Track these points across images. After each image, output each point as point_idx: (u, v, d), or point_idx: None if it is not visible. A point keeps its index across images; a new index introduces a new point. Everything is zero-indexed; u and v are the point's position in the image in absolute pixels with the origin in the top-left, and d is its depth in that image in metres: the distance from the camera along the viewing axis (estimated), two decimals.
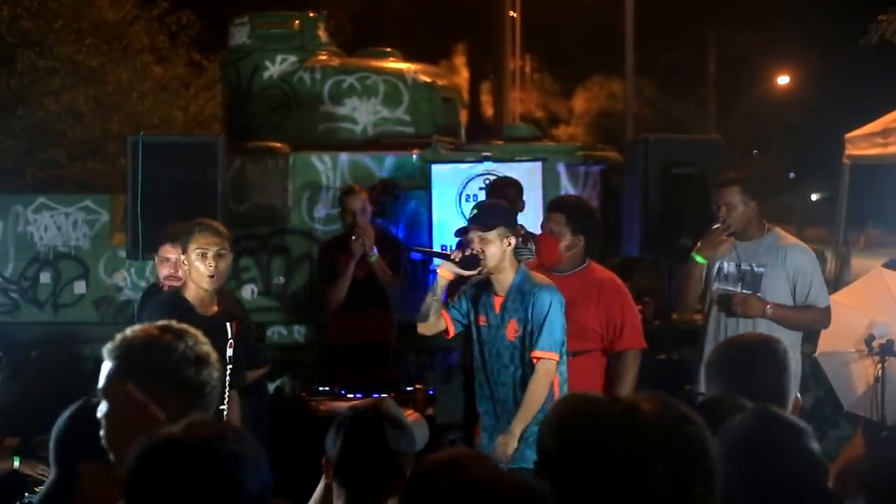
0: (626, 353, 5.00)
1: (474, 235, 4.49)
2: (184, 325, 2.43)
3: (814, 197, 38.40)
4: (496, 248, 4.46)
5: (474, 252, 4.48)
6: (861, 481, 2.29)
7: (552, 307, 4.42)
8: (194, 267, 4.47)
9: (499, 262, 4.48)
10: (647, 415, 1.78)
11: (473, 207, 4.77)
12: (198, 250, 4.46)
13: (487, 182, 7.14)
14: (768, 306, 5.19)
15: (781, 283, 5.26)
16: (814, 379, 6.85)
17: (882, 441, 4.84)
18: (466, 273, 4.52)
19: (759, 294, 5.25)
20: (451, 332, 4.74)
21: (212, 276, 4.46)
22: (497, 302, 4.55)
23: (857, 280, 6.36)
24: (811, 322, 5.35)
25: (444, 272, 4.55)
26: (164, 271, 5.26)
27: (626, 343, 5.00)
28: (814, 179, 35.63)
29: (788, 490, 2.33)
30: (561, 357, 4.48)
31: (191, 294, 4.53)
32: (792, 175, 38.41)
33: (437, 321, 4.69)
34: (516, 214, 4.89)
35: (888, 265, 6.21)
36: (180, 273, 4.96)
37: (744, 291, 5.27)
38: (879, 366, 5.32)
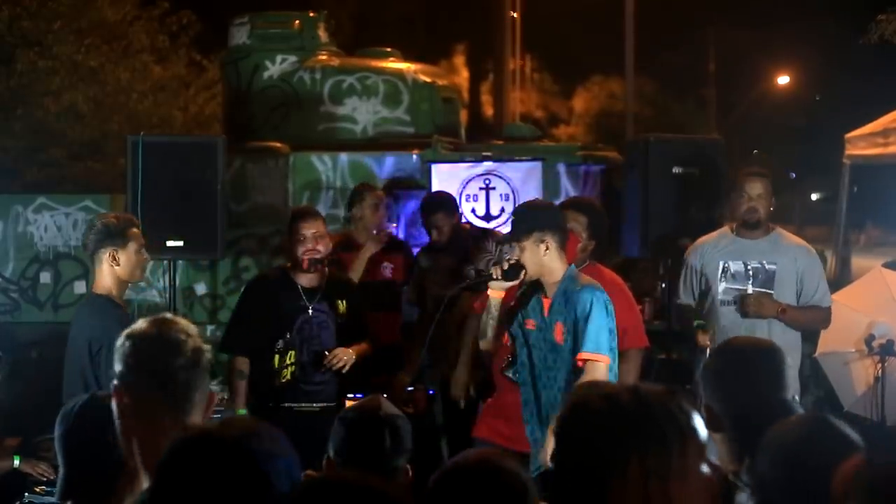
0: (628, 352, 5.00)
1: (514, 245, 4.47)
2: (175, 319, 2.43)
3: (814, 197, 38.41)
4: (532, 255, 4.38)
5: (512, 262, 4.43)
6: (863, 482, 2.27)
7: (594, 307, 4.31)
8: (132, 262, 4.52)
9: (539, 267, 4.40)
10: (598, 410, 1.76)
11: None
12: (138, 248, 4.54)
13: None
14: (781, 307, 5.20)
15: (790, 281, 5.29)
16: (814, 379, 6.85)
17: (883, 442, 4.85)
18: (511, 284, 4.48)
19: (771, 291, 5.26)
20: (507, 342, 4.69)
21: (143, 273, 4.67)
22: (546, 304, 4.48)
23: (857, 280, 6.36)
24: (819, 322, 5.42)
25: (494, 292, 4.52)
26: (300, 248, 5.07)
27: (629, 343, 5.00)
28: (814, 179, 35.64)
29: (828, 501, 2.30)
30: (613, 359, 4.37)
31: (115, 293, 4.55)
32: (792, 175, 38.41)
33: (497, 339, 4.66)
34: (554, 213, 4.61)
35: (888, 265, 6.22)
36: (321, 247, 5.06)
37: (757, 290, 5.28)
38: (879, 366, 5.32)
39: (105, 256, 4.50)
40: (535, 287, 4.52)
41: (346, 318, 5.19)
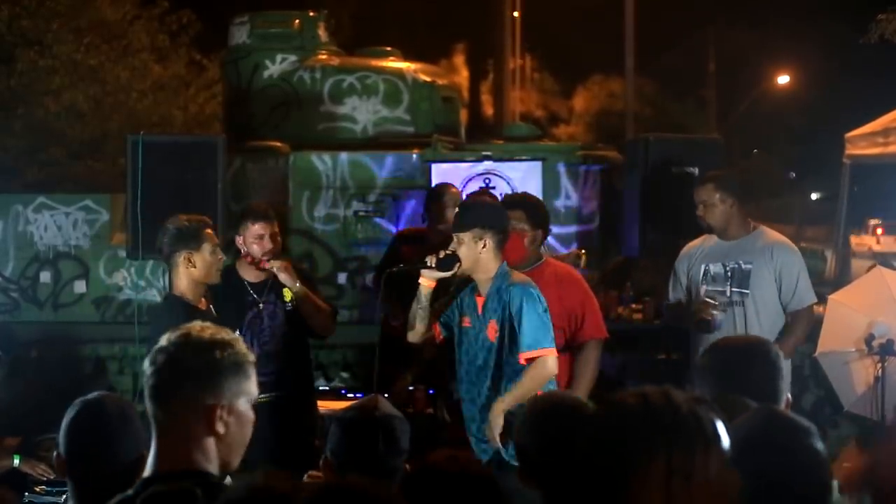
0: (587, 343, 4.99)
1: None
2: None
3: (814, 197, 38.41)
4: (469, 249, 4.43)
5: (449, 253, 4.46)
6: (867, 481, 2.28)
7: (525, 303, 4.35)
8: (210, 264, 4.58)
9: (473, 263, 4.45)
10: (631, 408, 1.78)
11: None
12: (213, 249, 4.60)
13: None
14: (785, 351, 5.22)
15: (768, 279, 5.30)
16: (814, 379, 6.85)
17: (887, 441, 4.85)
18: (443, 274, 4.49)
19: (745, 291, 5.29)
20: (439, 338, 4.72)
21: (219, 271, 4.65)
22: (480, 303, 4.53)
23: (857, 280, 6.36)
24: (807, 327, 5.42)
25: (425, 280, 4.54)
26: (257, 248, 5.10)
27: (587, 334, 4.99)
28: (814, 179, 35.65)
29: (793, 489, 2.33)
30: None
31: (190, 294, 4.62)
32: (792, 175, 38.41)
33: (425, 329, 4.67)
34: (499, 214, 4.62)
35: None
36: (276, 247, 5.11)
37: (736, 290, 5.31)
38: (879, 366, 5.31)
39: (180, 260, 4.57)
40: (472, 287, 4.57)
41: (293, 301, 5.20)
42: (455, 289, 4.74)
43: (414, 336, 4.72)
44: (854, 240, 20.37)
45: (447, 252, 4.48)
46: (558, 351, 4.97)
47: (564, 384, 4.96)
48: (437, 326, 4.68)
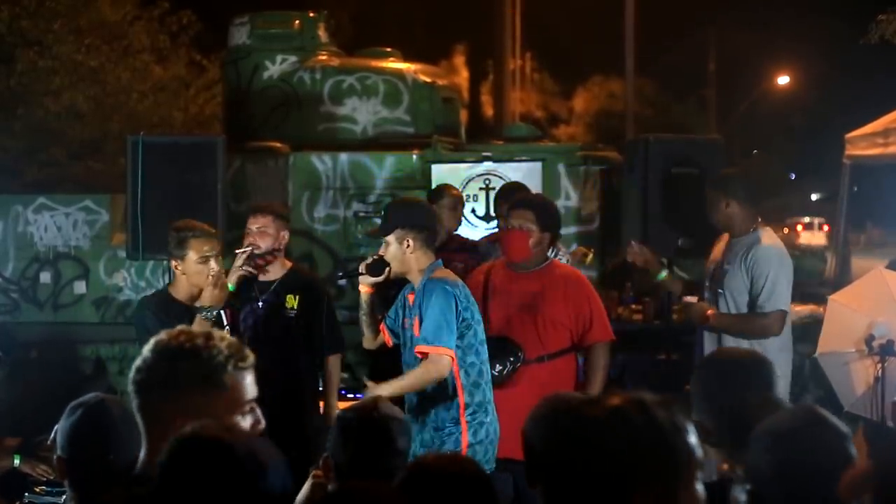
0: (595, 346, 5.00)
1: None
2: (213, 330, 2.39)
3: (814, 197, 38.43)
4: (394, 250, 4.43)
5: (376, 257, 4.47)
6: (869, 483, 2.29)
7: (433, 297, 4.30)
8: (196, 271, 4.64)
9: (400, 265, 4.44)
10: (634, 414, 1.78)
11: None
12: (199, 257, 4.65)
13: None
14: (710, 313, 5.28)
15: (740, 281, 5.31)
16: (814, 379, 6.85)
17: (890, 441, 4.85)
18: (375, 279, 4.48)
19: (720, 290, 5.33)
20: (389, 343, 4.69)
21: (211, 277, 4.66)
22: (411, 301, 4.52)
23: (857, 280, 6.35)
24: (758, 330, 5.26)
25: (362, 287, 4.54)
26: (245, 241, 5.32)
27: (596, 336, 5.00)
28: (814, 179, 35.67)
29: (820, 488, 2.35)
30: (470, 354, 4.34)
31: (181, 293, 4.70)
32: (792, 175, 38.43)
33: (375, 336, 4.67)
34: (420, 213, 4.61)
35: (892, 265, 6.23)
36: (262, 242, 5.29)
37: (714, 289, 5.38)
38: (879, 366, 5.31)
39: (172, 264, 4.75)
40: (406, 286, 4.56)
41: (298, 311, 5.27)
42: (395, 292, 4.74)
43: (367, 343, 4.74)
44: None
45: (373, 257, 4.49)
46: (564, 351, 4.99)
47: (571, 384, 4.97)
48: (384, 332, 4.67)
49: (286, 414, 5.05)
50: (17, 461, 4.45)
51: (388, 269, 4.45)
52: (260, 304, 5.28)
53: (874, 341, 5.37)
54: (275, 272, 5.34)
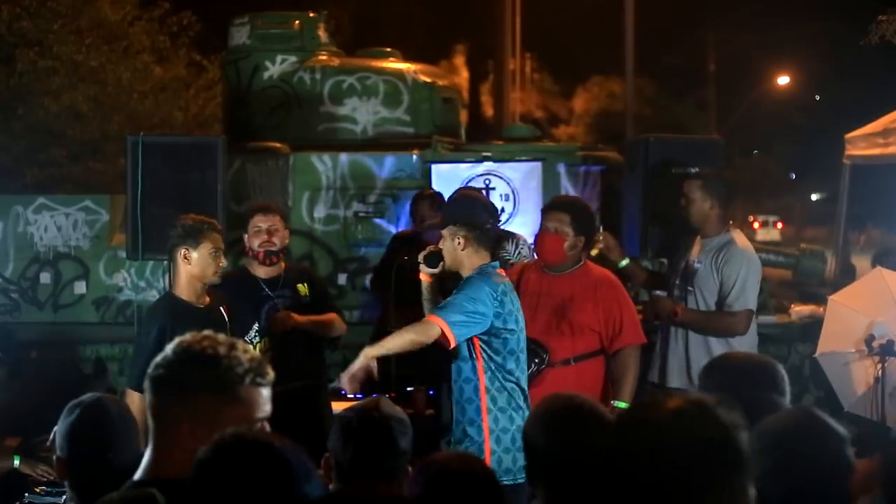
0: (626, 349, 5.01)
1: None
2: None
3: (814, 197, 38.41)
4: (448, 245, 4.37)
5: (433, 249, 4.43)
6: (879, 481, 2.30)
7: (463, 285, 4.24)
8: (207, 264, 4.70)
9: (452, 260, 4.38)
10: (697, 415, 1.78)
11: None
12: (213, 249, 4.71)
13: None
14: (678, 309, 5.30)
15: (710, 280, 5.37)
16: (814, 379, 6.85)
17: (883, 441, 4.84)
18: (431, 271, 4.46)
19: (689, 288, 5.39)
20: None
21: (216, 273, 4.76)
22: None
23: (857, 280, 6.36)
24: (724, 328, 5.32)
25: (423, 276, 4.52)
26: (256, 240, 5.34)
27: (627, 339, 5.01)
28: (814, 179, 35.65)
29: (816, 490, 2.36)
30: (456, 335, 4.19)
31: (185, 292, 4.75)
32: (792, 175, 38.41)
33: None
34: (477, 210, 4.43)
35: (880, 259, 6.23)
36: (275, 239, 5.33)
37: (684, 287, 5.43)
38: (879, 366, 5.31)
39: (179, 255, 4.72)
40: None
41: (311, 298, 5.41)
42: (452, 285, 4.71)
43: None
44: None
45: (431, 249, 4.46)
46: (592, 354, 4.98)
47: (599, 388, 4.95)
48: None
49: (317, 402, 5.35)
50: (17, 461, 4.45)
51: (442, 262, 4.41)
52: (278, 299, 5.34)
53: (874, 341, 5.37)
54: (276, 269, 5.42)
